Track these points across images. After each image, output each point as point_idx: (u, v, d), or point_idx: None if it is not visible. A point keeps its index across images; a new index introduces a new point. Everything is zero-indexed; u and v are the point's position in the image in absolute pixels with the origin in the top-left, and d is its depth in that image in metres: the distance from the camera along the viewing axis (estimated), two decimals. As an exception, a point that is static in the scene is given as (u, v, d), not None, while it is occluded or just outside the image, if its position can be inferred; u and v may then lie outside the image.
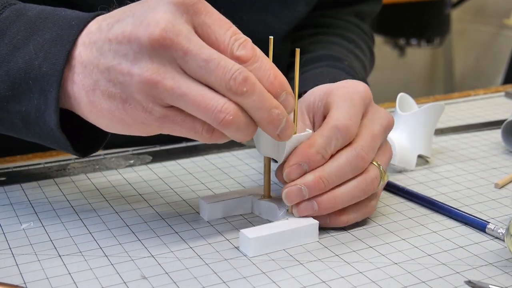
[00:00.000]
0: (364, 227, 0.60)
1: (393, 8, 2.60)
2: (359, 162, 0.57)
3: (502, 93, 1.03)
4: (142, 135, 0.54)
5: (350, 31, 0.91)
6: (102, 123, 0.54)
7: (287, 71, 0.85)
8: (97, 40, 0.52)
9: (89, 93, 0.53)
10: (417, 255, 0.56)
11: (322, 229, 0.58)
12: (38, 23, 0.55)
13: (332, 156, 0.57)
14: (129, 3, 0.53)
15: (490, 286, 0.50)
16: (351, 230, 0.60)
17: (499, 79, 2.66)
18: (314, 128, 0.61)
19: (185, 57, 0.50)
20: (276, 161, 0.59)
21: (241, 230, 0.56)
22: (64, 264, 0.53)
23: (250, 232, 0.55)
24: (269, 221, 0.60)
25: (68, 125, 0.56)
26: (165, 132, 0.53)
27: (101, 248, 0.56)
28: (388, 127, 0.60)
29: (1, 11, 0.56)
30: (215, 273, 0.52)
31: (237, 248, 0.56)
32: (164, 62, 0.50)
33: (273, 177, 0.61)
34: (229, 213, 0.62)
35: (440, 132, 0.84)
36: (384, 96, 1.28)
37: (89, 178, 0.70)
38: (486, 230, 0.59)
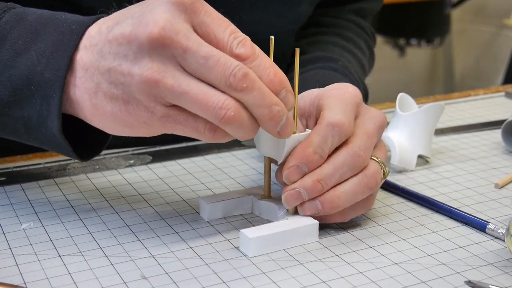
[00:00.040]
0: (364, 227, 0.60)
1: (393, 8, 2.60)
2: (357, 161, 0.57)
3: (502, 93, 1.03)
4: (146, 135, 0.54)
5: (350, 30, 0.91)
6: (106, 125, 0.54)
7: (287, 70, 0.85)
8: (97, 42, 0.53)
9: (91, 96, 0.53)
10: (417, 255, 0.56)
11: (322, 229, 0.58)
12: (39, 28, 0.55)
13: (330, 156, 0.57)
14: (128, 6, 0.54)
15: (490, 286, 0.50)
16: (351, 230, 0.60)
17: (499, 79, 2.66)
18: None
19: (184, 55, 0.50)
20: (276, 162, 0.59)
21: (241, 230, 0.56)
22: (64, 264, 0.53)
23: (250, 232, 0.55)
24: (269, 221, 0.60)
25: (70, 128, 0.56)
26: (168, 132, 0.53)
27: (101, 248, 0.56)
28: (382, 125, 0.60)
29: (1, 15, 0.56)
30: (215, 273, 0.52)
31: (237, 248, 0.56)
32: (164, 61, 0.50)
33: (273, 177, 0.61)
34: (229, 213, 0.62)
35: (440, 132, 0.84)
36: (384, 96, 1.28)
37: (89, 178, 0.70)
38: (486, 230, 0.59)
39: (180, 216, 0.62)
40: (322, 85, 0.64)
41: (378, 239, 0.58)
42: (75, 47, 0.53)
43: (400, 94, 0.77)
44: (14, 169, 0.72)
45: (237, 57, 0.51)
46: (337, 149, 0.57)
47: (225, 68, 0.50)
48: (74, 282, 0.51)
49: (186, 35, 0.50)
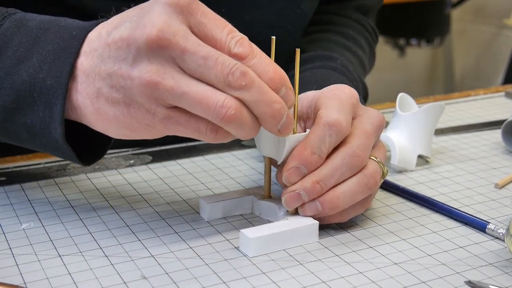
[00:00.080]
0: (364, 227, 0.60)
1: (393, 8, 2.60)
2: (355, 161, 0.57)
3: (502, 93, 1.03)
4: (149, 138, 0.55)
5: (351, 28, 0.91)
6: (109, 130, 0.54)
7: (287, 69, 0.85)
8: (97, 47, 0.53)
9: (93, 101, 0.53)
10: (417, 255, 0.56)
11: (322, 229, 0.58)
12: (40, 34, 0.55)
13: (328, 156, 0.57)
14: (126, 10, 0.54)
15: (490, 286, 0.50)
16: (351, 230, 0.60)
17: (499, 79, 2.66)
18: None
19: (183, 56, 0.50)
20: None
21: (241, 230, 0.56)
22: (64, 264, 0.53)
23: (250, 232, 0.55)
24: (269, 221, 0.60)
25: (72, 133, 0.57)
26: (171, 133, 0.53)
27: (101, 248, 0.56)
28: (380, 125, 0.60)
29: (2, 21, 0.56)
30: (215, 273, 0.52)
31: (237, 248, 0.56)
32: (162, 63, 0.50)
33: (273, 177, 0.61)
34: (229, 213, 0.62)
35: (440, 132, 0.84)
36: (384, 96, 1.28)
37: (89, 178, 0.70)
38: (486, 230, 0.59)
39: (180, 216, 0.62)
40: (321, 84, 0.64)
41: (378, 239, 0.58)
42: (76, 53, 0.53)
43: (400, 94, 0.77)
44: (14, 169, 0.72)
45: (236, 56, 0.51)
46: (335, 149, 0.57)
47: (223, 67, 0.50)
48: (74, 282, 0.51)
49: (184, 36, 0.50)
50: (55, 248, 0.56)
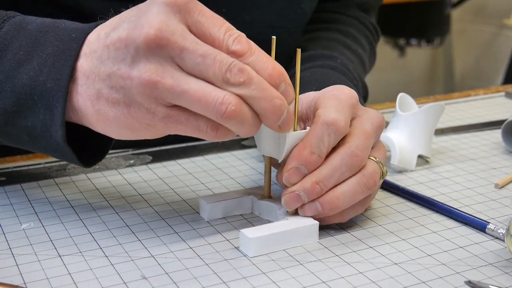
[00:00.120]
0: (364, 227, 0.60)
1: (393, 8, 2.60)
2: (354, 161, 0.57)
3: (502, 93, 1.03)
4: (150, 137, 0.55)
5: (351, 26, 0.90)
6: (110, 130, 0.54)
7: (287, 67, 0.85)
8: (96, 49, 0.53)
9: (94, 103, 0.53)
10: (417, 255, 0.56)
11: (322, 229, 0.58)
12: (40, 37, 0.55)
13: (328, 156, 0.57)
14: (125, 11, 0.54)
15: (490, 286, 0.50)
16: (351, 231, 0.60)
17: (499, 79, 2.66)
18: None
19: (181, 54, 0.50)
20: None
21: (241, 230, 0.56)
22: (64, 264, 0.53)
23: (250, 232, 0.55)
24: (269, 221, 0.60)
25: (73, 135, 0.57)
26: (171, 132, 0.53)
27: (101, 248, 0.56)
28: (380, 126, 0.60)
29: (1, 25, 0.56)
30: (215, 273, 0.52)
31: (237, 248, 0.56)
32: (161, 62, 0.50)
33: (273, 177, 0.61)
34: (229, 213, 0.62)
35: (440, 132, 0.84)
36: (384, 96, 1.28)
37: (89, 178, 0.70)
38: (486, 230, 0.59)
39: (180, 216, 0.62)
40: (321, 84, 0.64)
41: (378, 240, 0.58)
42: (76, 56, 0.54)
43: (400, 94, 0.77)
44: (14, 169, 0.72)
45: (234, 54, 0.52)
46: (334, 149, 0.57)
47: (221, 65, 0.50)
48: (74, 282, 0.51)
49: (182, 35, 0.50)
50: (55, 248, 0.56)
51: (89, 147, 0.59)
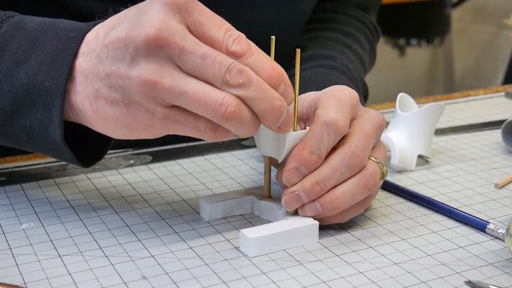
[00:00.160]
0: (364, 227, 0.60)
1: (393, 8, 2.60)
2: (354, 161, 0.57)
3: (502, 93, 1.03)
4: (149, 137, 0.55)
5: (350, 25, 0.90)
6: (109, 130, 0.54)
7: (287, 68, 0.85)
8: (95, 48, 0.53)
9: (92, 102, 0.53)
10: (417, 255, 0.56)
11: (322, 229, 0.58)
12: (38, 37, 0.55)
13: (328, 156, 0.57)
14: (124, 10, 0.54)
15: (490, 286, 0.50)
16: (351, 231, 0.60)
17: (499, 79, 2.66)
18: None
19: (181, 55, 0.50)
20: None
21: (241, 230, 0.56)
22: (64, 264, 0.53)
23: (250, 232, 0.55)
24: (269, 221, 0.60)
25: (71, 134, 0.57)
26: (170, 133, 0.53)
27: (101, 248, 0.56)
28: (380, 126, 0.60)
29: (0, 24, 0.56)
30: (215, 273, 0.52)
31: (237, 248, 0.56)
32: (161, 62, 0.50)
33: (273, 177, 0.61)
34: (229, 213, 0.62)
35: (440, 132, 0.84)
36: (384, 96, 1.28)
37: (89, 178, 0.70)
38: (486, 230, 0.59)
39: (180, 216, 0.62)
40: (321, 84, 0.64)
41: (378, 239, 0.58)
42: (74, 55, 0.54)
43: (400, 94, 0.77)
44: (14, 169, 0.72)
45: (233, 54, 0.51)
46: (335, 150, 0.57)
47: (221, 66, 0.50)
48: (74, 282, 0.51)
49: (182, 35, 0.50)
50: (55, 248, 0.56)
51: (88, 146, 0.59)
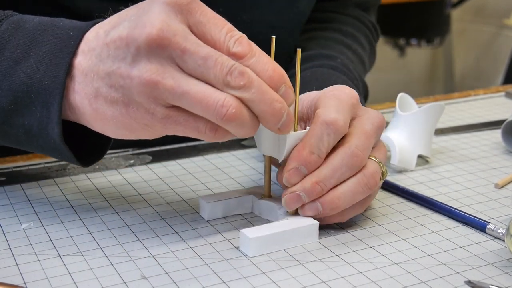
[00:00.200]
0: (364, 227, 0.60)
1: (393, 8, 2.60)
2: (355, 161, 0.57)
3: (502, 93, 1.03)
4: (148, 138, 0.55)
5: (350, 25, 0.90)
6: (107, 130, 0.54)
7: (287, 68, 0.85)
8: (95, 47, 0.53)
9: (91, 101, 0.53)
10: (417, 255, 0.56)
11: (322, 229, 0.58)
12: (37, 36, 0.55)
13: (328, 156, 0.57)
14: (124, 9, 0.54)
15: (490, 286, 0.50)
16: (351, 230, 0.60)
17: (499, 79, 2.66)
18: None
19: (183, 56, 0.50)
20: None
21: (241, 230, 0.56)
22: (64, 264, 0.53)
23: (250, 232, 0.55)
24: (269, 221, 0.60)
25: (71, 134, 0.57)
26: (170, 133, 0.53)
27: (101, 248, 0.56)
28: (380, 126, 0.60)
29: None
30: (215, 273, 0.52)
31: (237, 248, 0.56)
32: (162, 62, 0.50)
33: (273, 177, 0.61)
34: (229, 213, 0.62)
35: (440, 132, 0.84)
36: (384, 96, 1.28)
37: (89, 178, 0.70)
38: (486, 230, 0.59)
39: (180, 216, 0.62)
40: (321, 84, 0.64)
41: (378, 239, 0.58)
42: (73, 53, 0.53)
43: (400, 94, 0.77)
44: (14, 169, 0.72)
45: (234, 55, 0.51)
46: (335, 149, 0.57)
47: (222, 67, 0.50)
48: (74, 282, 0.51)
49: (184, 36, 0.50)
50: (55, 248, 0.56)
51: (87, 146, 0.59)
